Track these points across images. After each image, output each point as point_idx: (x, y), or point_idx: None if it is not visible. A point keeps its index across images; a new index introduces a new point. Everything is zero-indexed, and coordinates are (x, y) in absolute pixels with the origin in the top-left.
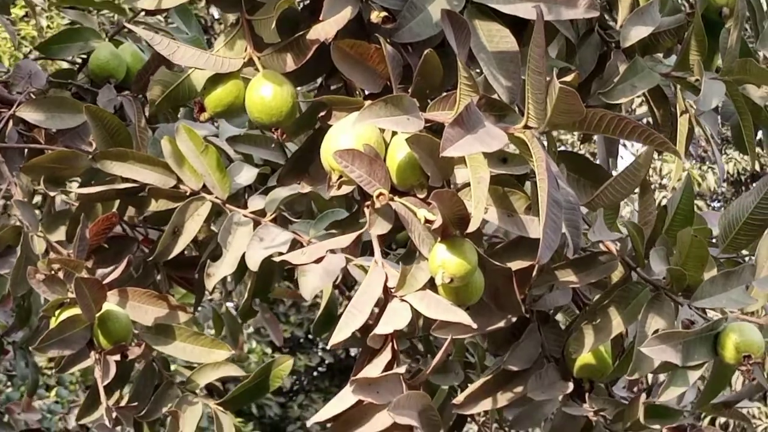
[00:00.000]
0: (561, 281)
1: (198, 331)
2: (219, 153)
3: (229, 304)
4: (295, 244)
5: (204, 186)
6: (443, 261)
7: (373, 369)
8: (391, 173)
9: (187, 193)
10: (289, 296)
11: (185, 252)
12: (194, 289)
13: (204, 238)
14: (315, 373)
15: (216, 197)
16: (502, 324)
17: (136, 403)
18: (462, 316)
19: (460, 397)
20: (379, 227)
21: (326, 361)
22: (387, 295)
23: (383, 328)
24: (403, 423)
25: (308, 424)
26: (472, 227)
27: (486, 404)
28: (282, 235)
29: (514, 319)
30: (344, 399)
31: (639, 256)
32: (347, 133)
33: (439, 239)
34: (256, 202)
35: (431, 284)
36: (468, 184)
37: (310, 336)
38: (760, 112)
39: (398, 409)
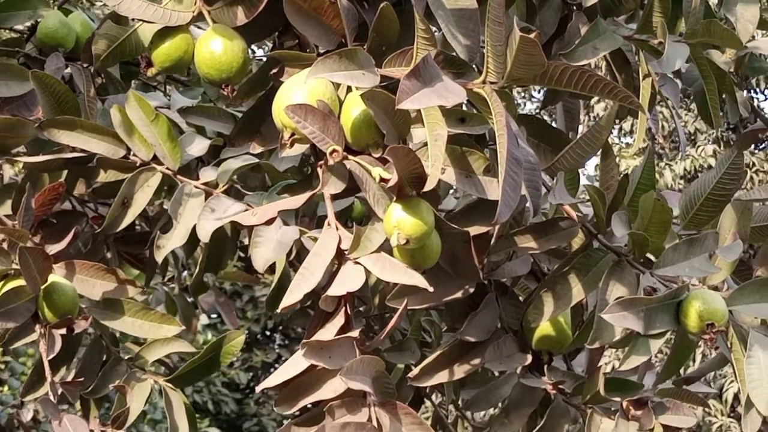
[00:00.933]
0: (520, 247)
1: (147, 306)
2: (170, 124)
3: None
4: None
5: (155, 156)
6: (399, 221)
7: (326, 333)
8: (346, 132)
9: (137, 164)
10: (242, 280)
11: (136, 228)
12: (145, 268)
13: (155, 214)
14: (272, 370)
15: (167, 168)
16: (459, 294)
17: (82, 379)
18: (418, 279)
19: (415, 371)
20: (332, 186)
21: (283, 358)
22: (340, 257)
23: (336, 289)
24: (356, 388)
25: (257, 390)
26: (428, 185)
27: (442, 376)
28: (234, 206)
29: (471, 290)
30: (295, 364)
31: (600, 221)
32: (300, 88)
33: (394, 199)
34: (207, 174)
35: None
36: (425, 144)
37: (267, 332)
38: (724, 77)
39: (351, 374)
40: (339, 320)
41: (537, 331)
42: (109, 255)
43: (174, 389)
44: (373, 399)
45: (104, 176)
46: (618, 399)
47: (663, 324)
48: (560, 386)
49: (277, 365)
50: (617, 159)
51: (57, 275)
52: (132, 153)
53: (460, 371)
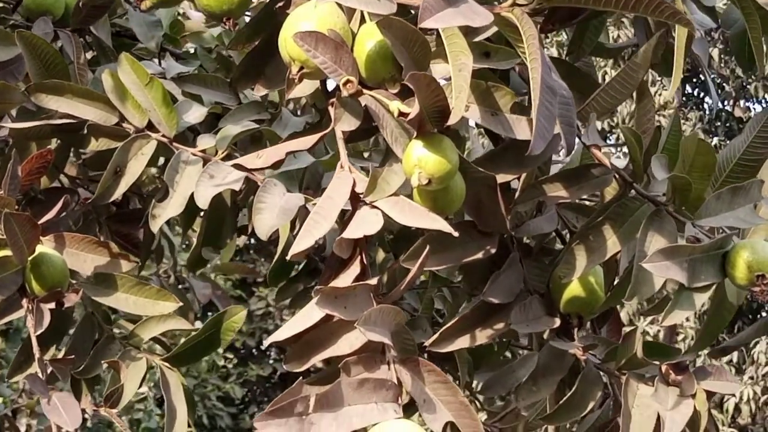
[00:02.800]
0: (549, 196)
1: (142, 281)
2: (165, 89)
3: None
4: (249, 184)
5: (149, 123)
6: (420, 159)
7: (340, 282)
8: (360, 66)
9: (131, 131)
10: (240, 272)
11: (129, 204)
12: (139, 252)
13: (150, 191)
14: (267, 384)
15: (162, 135)
16: (480, 255)
17: (73, 357)
18: (441, 224)
19: (434, 336)
20: (345, 123)
21: (278, 372)
22: (355, 202)
23: (352, 232)
24: (375, 340)
25: (265, 344)
26: (453, 119)
27: (463, 341)
28: (234, 172)
29: (493, 251)
30: (308, 315)
31: (637, 166)
32: (309, 17)
33: (414, 135)
34: (205, 141)
35: None
36: (447, 80)
37: (262, 346)
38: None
39: (368, 324)
40: (354, 269)
41: (565, 293)
42: (101, 238)
43: (171, 369)
44: (393, 355)
45: (95, 144)
46: (657, 362)
47: (708, 276)
48: (591, 352)
49: (272, 379)
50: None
51: (45, 247)
52: (125, 120)
53: (482, 336)
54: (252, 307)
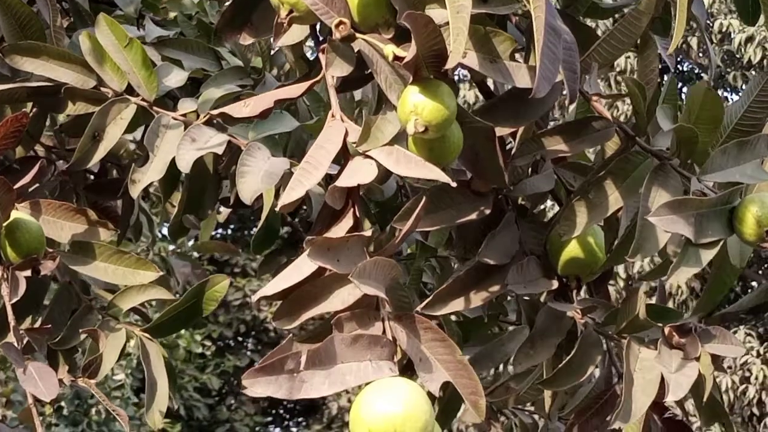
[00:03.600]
0: (549, 150)
1: (122, 250)
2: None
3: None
4: (232, 152)
5: (128, 87)
6: (416, 105)
7: (333, 234)
8: (352, 11)
9: (109, 95)
10: (221, 251)
11: (108, 175)
12: (117, 224)
13: (129, 161)
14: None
15: (142, 99)
16: (474, 216)
17: (49, 326)
18: (437, 173)
19: (427, 299)
20: (337, 68)
21: (256, 363)
22: (347, 153)
23: (346, 180)
24: (370, 293)
25: (254, 298)
26: (450, 63)
27: (457, 304)
28: (217, 136)
29: (487, 212)
30: (298, 269)
31: (640, 119)
32: None
33: (410, 81)
34: (186, 105)
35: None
36: (445, 24)
37: (239, 337)
38: None
39: (363, 276)
40: (347, 221)
41: (564, 254)
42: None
43: (151, 340)
44: (388, 311)
45: (72, 109)
46: (659, 325)
47: (715, 232)
48: (590, 315)
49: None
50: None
51: (21, 213)
52: (104, 84)
53: (477, 299)
54: (229, 298)
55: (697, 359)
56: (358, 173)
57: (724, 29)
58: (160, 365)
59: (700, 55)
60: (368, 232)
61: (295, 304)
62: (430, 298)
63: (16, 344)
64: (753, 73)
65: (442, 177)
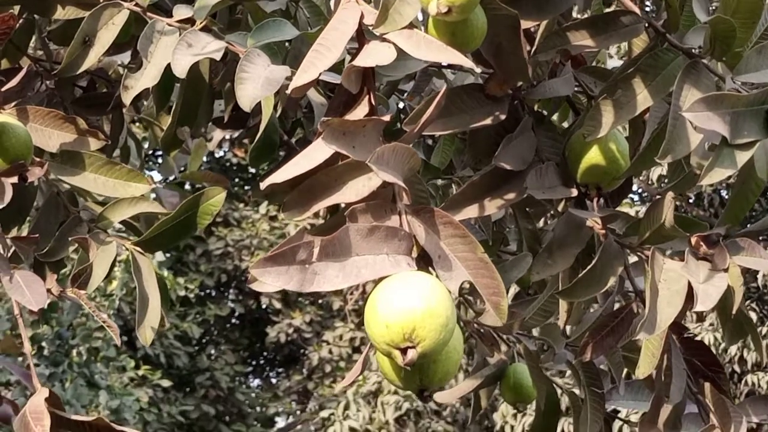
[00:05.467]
0: (574, 45)
1: (112, 161)
2: None
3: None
4: (228, 64)
5: None
6: None
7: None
8: None
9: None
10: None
11: (96, 86)
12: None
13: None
14: (227, 325)
15: (135, 4)
16: (488, 121)
17: (37, 235)
18: (459, 58)
19: (442, 204)
20: None
21: (237, 312)
22: (363, 37)
23: (362, 60)
24: (388, 180)
25: (262, 186)
26: None
27: (471, 211)
28: (214, 42)
29: (502, 117)
30: (311, 155)
31: (673, 12)
32: None
33: None
34: (182, 11)
35: None
36: None
37: (221, 287)
38: None
39: (381, 163)
40: (362, 108)
41: (584, 162)
42: None
43: (143, 254)
44: (405, 204)
45: (62, 13)
46: (687, 235)
47: (751, 132)
48: (610, 225)
49: (233, 319)
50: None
51: (7, 117)
52: None
53: (491, 206)
54: (210, 247)
55: (726, 270)
56: (376, 55)
57: None
58: (152, 280)
59: None
60: (386, 117)
61: (305, 194)
62: (445, 203)
63: (1, 251)
64: None
65: (464, 62)
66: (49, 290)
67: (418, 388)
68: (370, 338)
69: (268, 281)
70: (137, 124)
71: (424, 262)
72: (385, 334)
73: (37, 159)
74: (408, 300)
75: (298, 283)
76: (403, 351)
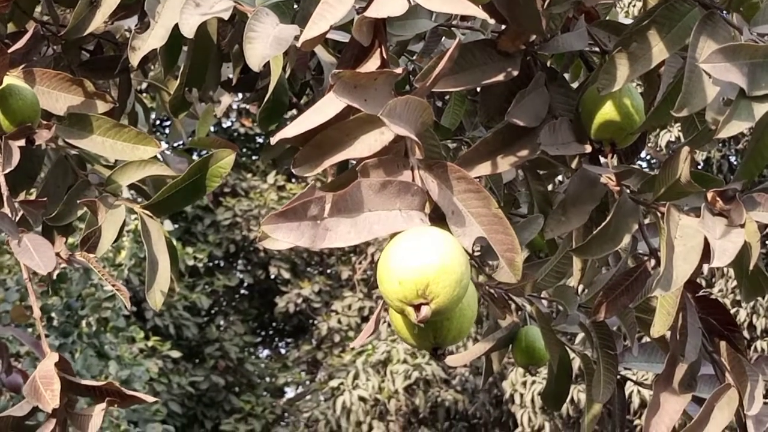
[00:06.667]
0: None
1: (121, 123)
2: None
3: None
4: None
5: None
6: None
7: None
8: None
9: None
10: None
11: (104, 50)
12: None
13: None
14: (236, 295)
15: None
16: (500, 77)
17: (45, 199)
18: (473, 8)
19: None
20: None
21: (246, 283)
22: None
23: (375, 11)
24: (401, 133)
25: (272, 141)
26: None
27: (483, 168)
28: (222, 2)
29: (515, 73)
30: (322, 110)
31: None
32: None
33: None
34: None
35: None
36: None
37: (230, 258)
38: None
39: (393, 116)
40: (374, 62)
41: (597, 117)
42: None
43: (152, 218)
44: (418, 159)
45: None
46: (703, 190)
47: None
48: (625, 182)
49: (242, 289)
50: None
51: (14, 79)
52: None
53: (504, 163)
54: (219, 218)
55: (742, 226)
56: (387, 6)
57: None
58: (161, 243)
59: None
60: (399, 70)
61: (316, 150)
62: (457, 161)
63: (10, 215)
64: None
65: (478, 13)
66: (57, 254)
67: (432, 346)
68: (383, 295)
69: (280, 237)
70: (145, 94)
71: (438, 217)
72: (398, 290)
73: (44, 122)
74: (421, 256)
75: (310, 239)
76: (417, 308)
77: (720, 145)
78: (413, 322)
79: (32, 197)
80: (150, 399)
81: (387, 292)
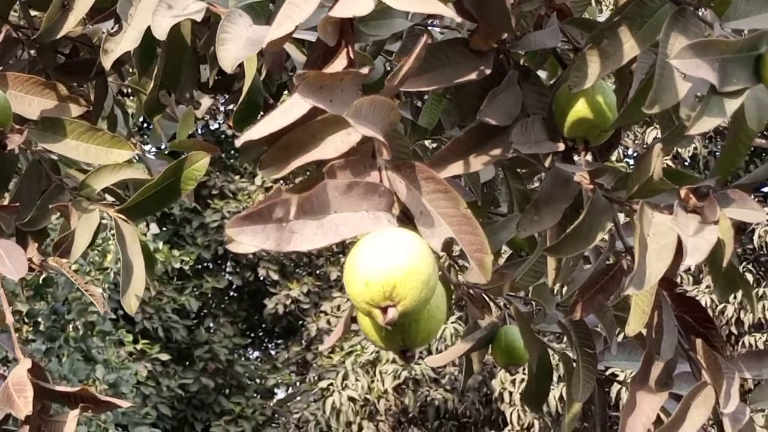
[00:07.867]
0: None
1: (95, 127)
2: None
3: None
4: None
5: None
6: None
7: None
8: None
9: None
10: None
11: (80, 53)
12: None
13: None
14: (225, 298)
15: None
16: (473, 76)
17: (17, 204)
18: (440, 7)
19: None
20: None
21: (234, 285)
22: None
23: (339, 11)
24: (366, 134)
25: (237, 144)
26: None
27: (456, 168)
28: (195, 3)
29: (488, 71)
30: (287, 111)
31: None
32: None
33: None
34: None
35: None
36: None
37: (218, 260)
38: None
39: (359, 117)
40: (341, 62)
41: (570, 115)
42: None
43: (127, 222)
44: (385, 159)
45: None
46: (676, 187)
47: (741, 79)
48: (598, 180)
49: (231, 291)
50: None
51: None
52: None
53: (477, 162)
54: (207, 220)
55: (716, 223)
56: (353, 5)
57: None
58: (136, 247)
59: None
60: (365, 70)
61: (282, 152)
62: (429, 160)
63: None
64: None
65: (446, 12)
66: (30, 259)
67: (400, 348)
68: (350, 297)
69: (245, 240)
70: (131, 97)
71: (406, 218)
72: (364, 292)
73: (17, 126)
74: (388, 257)
75: (275, 242)
76: (384, 310)
77: (706, 141)
78: (381, 325)
79: (5, 202)
80: (125, 404)
81: (354, 295)
